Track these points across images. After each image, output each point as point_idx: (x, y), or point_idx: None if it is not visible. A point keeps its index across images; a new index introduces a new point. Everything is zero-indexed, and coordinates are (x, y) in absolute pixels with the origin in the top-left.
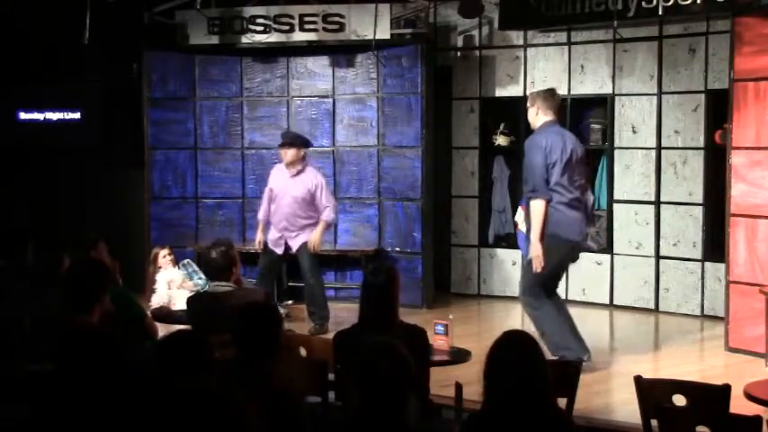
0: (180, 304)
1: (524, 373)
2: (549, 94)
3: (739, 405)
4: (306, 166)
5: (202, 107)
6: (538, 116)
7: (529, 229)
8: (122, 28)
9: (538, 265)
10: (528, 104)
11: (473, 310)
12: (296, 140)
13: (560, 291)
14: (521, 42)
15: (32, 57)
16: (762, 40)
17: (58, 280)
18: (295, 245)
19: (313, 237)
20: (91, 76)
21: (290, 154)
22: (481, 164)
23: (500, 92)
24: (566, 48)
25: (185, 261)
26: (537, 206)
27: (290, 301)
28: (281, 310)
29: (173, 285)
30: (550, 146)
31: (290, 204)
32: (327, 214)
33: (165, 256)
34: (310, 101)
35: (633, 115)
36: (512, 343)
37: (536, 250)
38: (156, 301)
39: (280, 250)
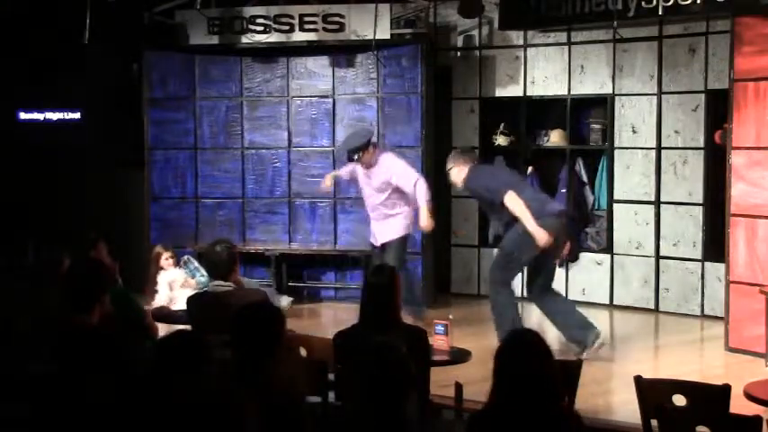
0: (182, 304)
1: (534, 372)
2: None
3: (739, 405)
4: (377, 159)
5: (202, 107)
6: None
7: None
8: (122, 28)
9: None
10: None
11: (473, 310)
12: (361, 147)
13: (561, 290)
14: (521, 42)
15: (32, 57)
16: (762, 40)
17: (58, 280)
18: (380, 238)
19: (423, 223)
20: (91, 76)
21: (364, 159)
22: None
23: (500, 92)
24: (566, 48)
25: (185, 258)
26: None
27: (291, 298)
28: (285, 301)
29: (174, 286)
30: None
31: (371, 195)
32: (420, 197)
33: (167, 258)
34: (310, 101)
35: (633, 115)
36: (522, 341)
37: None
38: (158, 302)
39: (376, 242)
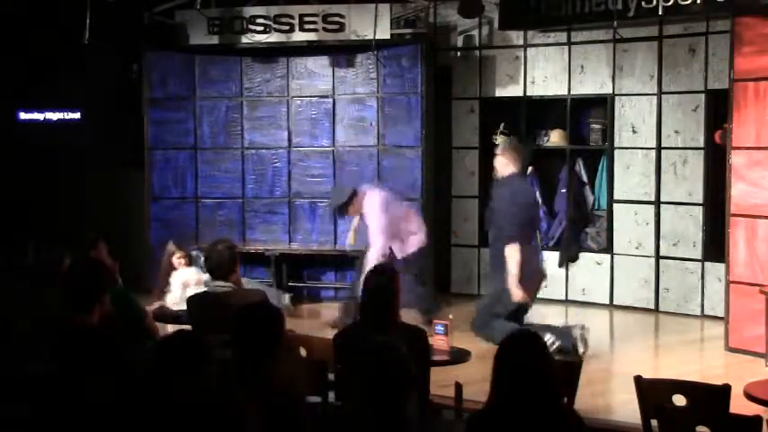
0: None
1: (534, 371)
2: (521, 148)
3: (739, 405)
4: (362, 212)
5: (202, 107)
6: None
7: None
8: (122, 28)
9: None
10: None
11: (473, 311)
12: (343, 205)
13: (561, 290)
14: (521, 42)
15: (32, 57)
16: (762, 40)
17: (58, 280)
18: (398, 254)
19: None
20: (91, 76)
21: (351, 212)
22: (481, 164)
23: (500, 92)
24: (566, 48)
25: (194, 254)
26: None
27: (290, 293)
28: (286, 297)
29: (189, 284)
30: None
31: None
32: (371, 253)
33: (179, 258)
34: (310, 101)
35: (633, 115)
36: (522, 341)
37: None
38: (172, 303)
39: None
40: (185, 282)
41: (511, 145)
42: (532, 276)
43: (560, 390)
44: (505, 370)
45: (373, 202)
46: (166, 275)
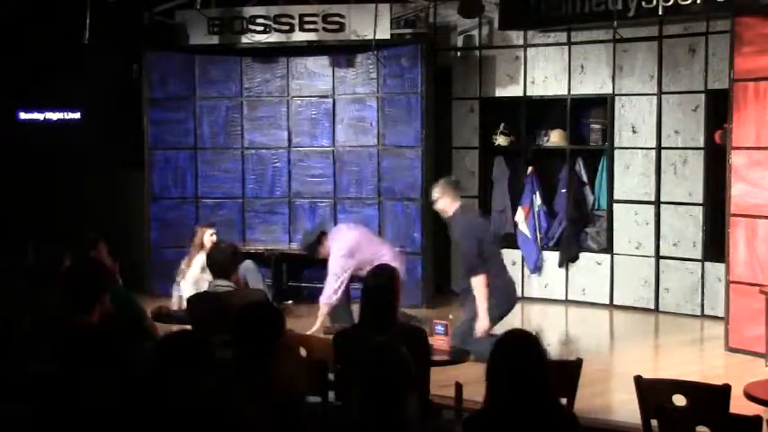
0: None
1: (527, 372)
2: (455, 182)
3: (739, 405)
4: (328, 253)
5: (202, 107)
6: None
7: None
8: (122, 28)
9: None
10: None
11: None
12: (311, 246)
13: (561, 290)
14: (521, 42)
15: (32, 57)
16: (762, 40)
17: (58, 280)
18: None
19: (314, 327)
20: (91, 76)
21: (322, 254)
22: (481, 164)
23: (500, 92)
24: (566, 48)
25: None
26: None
27: (289, 302)
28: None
29: (206, 269)
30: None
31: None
32: (323, 295)
33: (211, 235)
34: (310, 101)
35: (633, 115)
36: (515, 341)
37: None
38: (184, 286)
39: None
40: (204, 265)
41: (446, 184)
42: (507, 289)
43: (556, 389)
44: (501, 370)
45: (338, 249)
46: (192, 257)
